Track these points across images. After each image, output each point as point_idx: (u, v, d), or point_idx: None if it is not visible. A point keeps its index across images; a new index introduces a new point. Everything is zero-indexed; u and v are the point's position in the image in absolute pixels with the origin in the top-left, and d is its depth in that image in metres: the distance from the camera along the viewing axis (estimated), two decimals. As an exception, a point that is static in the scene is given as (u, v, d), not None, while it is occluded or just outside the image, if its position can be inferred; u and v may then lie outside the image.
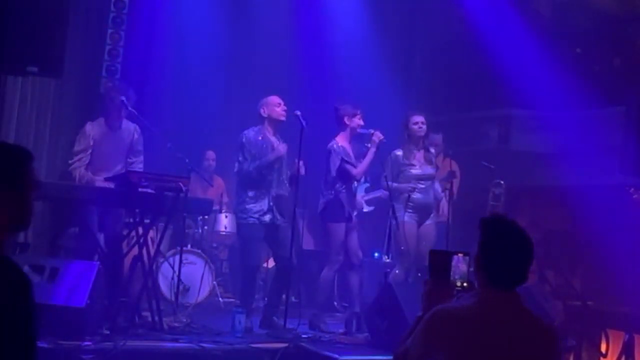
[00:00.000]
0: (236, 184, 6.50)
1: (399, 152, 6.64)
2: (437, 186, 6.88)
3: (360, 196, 7.73)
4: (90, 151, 6.02)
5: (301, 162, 6.12)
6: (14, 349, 1.93)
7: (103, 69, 8.06)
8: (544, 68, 8.44)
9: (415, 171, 6.61)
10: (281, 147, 6.26)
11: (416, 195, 6.58)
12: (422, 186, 6.63)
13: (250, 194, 6.21)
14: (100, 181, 5.94)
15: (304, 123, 6.09)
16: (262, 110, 6.31)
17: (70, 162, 6.04)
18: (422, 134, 6.65)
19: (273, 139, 6.30)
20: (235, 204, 6.58)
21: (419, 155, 6.70)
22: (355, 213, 6.63)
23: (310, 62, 8.93)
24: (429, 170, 6.69)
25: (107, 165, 6.09)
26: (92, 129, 6.07)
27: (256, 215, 6.18)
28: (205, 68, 8.46)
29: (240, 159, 6.22)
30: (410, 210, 6.49)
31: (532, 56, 8.56)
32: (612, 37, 8.50)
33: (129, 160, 6.22)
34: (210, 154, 8.47)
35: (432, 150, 6.84)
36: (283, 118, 6.30)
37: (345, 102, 6.61)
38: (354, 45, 8.95)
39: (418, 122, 6.62)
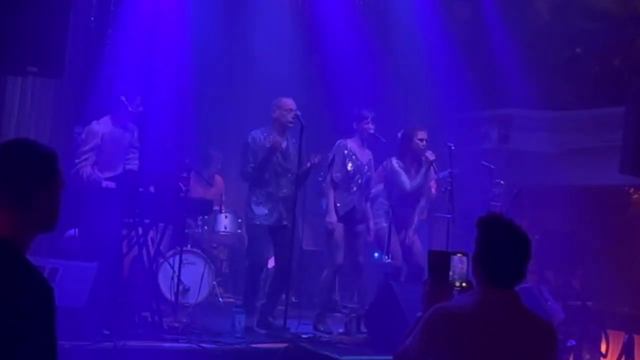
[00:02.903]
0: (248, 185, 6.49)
1: (395, 162, 6.61)
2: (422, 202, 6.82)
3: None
4: (96, 150, 6.01)
5: (315, 156, 6.15)
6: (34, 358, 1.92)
7: (103, 69, 8.06)
8: (543, 68, 8.45)
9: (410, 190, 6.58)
10: (282, 143, 6.25)
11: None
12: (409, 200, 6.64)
13: (257, 195, 6.21)
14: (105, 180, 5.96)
15: (304, 123, 6.10)
16: (272, 111, 6.30)
17: (77, 161, 6.03)
18: (430, 154, 6.54)
19: (280, 140, 6.25)
20: (244, 204, 6.59)
21: (413, 169, 6.64)
22: (359, 216, 6.58)
23: (311, 63, 8.94)
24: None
25: (113, 163, 6.10)
26: (100, 127, 6.07)
27: (262, 216, 6.18)
28: (206, 68, 8.46)
29: (245, 159, 6.22)
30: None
31: (532, 56, 8.58)
32: (612, 37, 8.50)
33: (126, 157, 6.24)
34: (219, 157, 8.43)
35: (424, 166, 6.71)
36: (290, 125, 6.26)
37: (363, 105, 6.63)
38: (354, 46, 8.95)
39: (423, 138, 6.59)
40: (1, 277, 1.93)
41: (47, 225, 2.11)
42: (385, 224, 6.51)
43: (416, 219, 6.71)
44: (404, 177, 6.57)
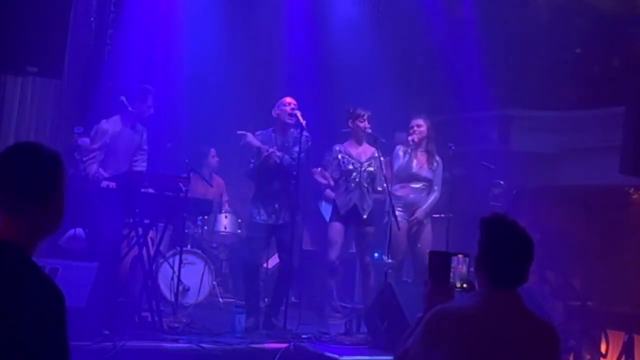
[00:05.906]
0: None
1: (400, 150, 6.76)
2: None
3: None
4: (104, 148, 6.02)
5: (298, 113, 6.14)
6: None
7: (103, 69, 8.06)
8: (543, 68, 8.45)
9: (413, 170, 6.72)
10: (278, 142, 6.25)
11: (409, 195, 6.70)
12: (417, 186, 6.74)
13: (255, 194, 6.26)
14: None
15: (303, 123, 6.10)
16: (273, 111, 6.30)
17: (85, 158, 6.05)
18: (415, 138, 6.70)
19: (280, 140, 6.24)
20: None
21: (420, 155, 6.77)
22: (365, 215, 6.60)
23: (310, 62, 8.93)
24: (426, 173, 6.76)
25: (119, 162, 6.11)
26: (110, 126, 6.08)
27: (259, 216, 6.18)
28: (205, 67, 8.45)
29: (246, 159, 6.28)
30: (400, 209, 6.56)
31: (532, 56, 8.58)
32: (612, 37, 8.50)
33: (134, 158, 6.25)
34: (212, 151, 8.44)
35: (438, 158, 6.85)
36: (289, 120, 6.20)
37: (356, 105, 6.67)
38: (355, 45, 8.95)
39: (413, 125, 6.75)
40: (13, 282, 1.91)
41: (55, 228, 2.08)
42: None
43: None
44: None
